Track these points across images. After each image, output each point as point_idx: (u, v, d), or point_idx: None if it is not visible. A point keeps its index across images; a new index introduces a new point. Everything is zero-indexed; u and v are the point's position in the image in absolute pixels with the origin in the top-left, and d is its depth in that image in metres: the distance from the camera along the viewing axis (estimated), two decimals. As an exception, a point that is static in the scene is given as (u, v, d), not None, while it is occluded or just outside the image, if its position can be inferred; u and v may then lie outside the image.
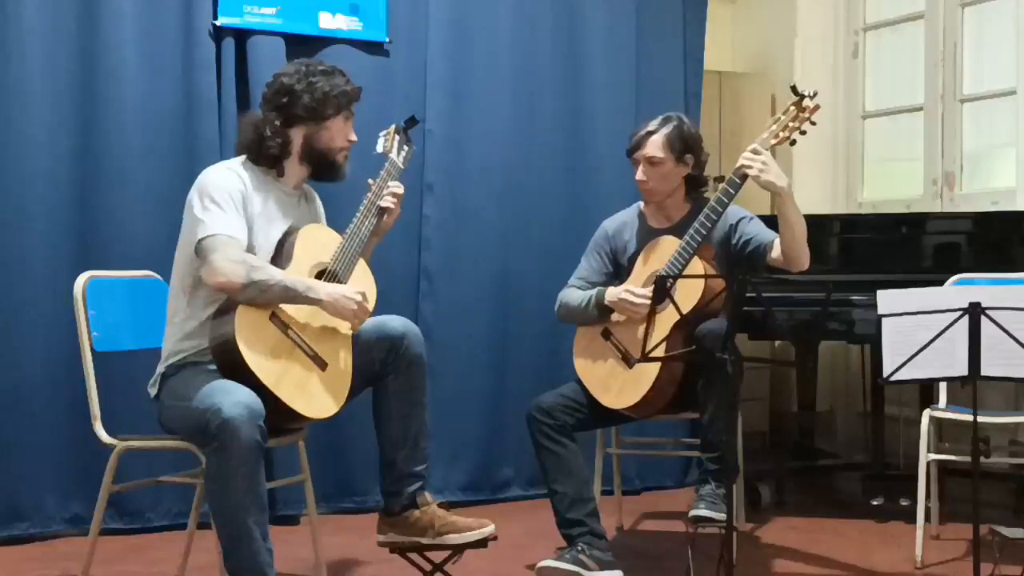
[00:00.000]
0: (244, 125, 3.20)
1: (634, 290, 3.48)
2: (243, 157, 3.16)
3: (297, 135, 3.14)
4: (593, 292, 3.59)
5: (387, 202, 3.25)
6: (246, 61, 4.26)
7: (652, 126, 3.61)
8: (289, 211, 3.17)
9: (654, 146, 3.57)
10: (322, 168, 3.20)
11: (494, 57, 4.68)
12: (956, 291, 3.22)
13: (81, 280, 3.19)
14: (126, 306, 3.31)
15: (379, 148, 3.32)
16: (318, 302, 2.99)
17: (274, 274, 2.96)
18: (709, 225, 3.43)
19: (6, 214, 3.95)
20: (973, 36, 5.00)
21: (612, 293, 3.53)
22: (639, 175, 3.61)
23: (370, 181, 3.26)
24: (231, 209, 2.99)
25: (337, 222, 3.33)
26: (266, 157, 3.12)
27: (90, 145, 4.06)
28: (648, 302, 3.28)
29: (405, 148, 3.35)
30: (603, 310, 3.54)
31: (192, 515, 3.44)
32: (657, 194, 3.63)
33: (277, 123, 3.11)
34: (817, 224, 3.49)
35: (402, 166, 3.31)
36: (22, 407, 3.95)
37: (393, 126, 3.37)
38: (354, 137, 3.21)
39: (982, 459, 3.24)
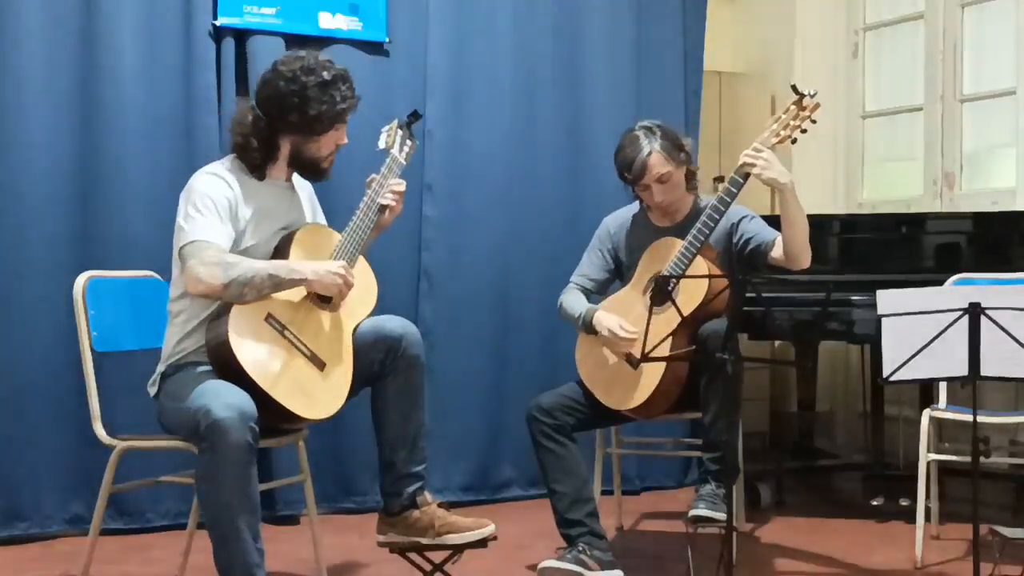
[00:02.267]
0: (234, 123, 3.13)
1: (622, 328, 3.45)
2: (233, 156, 3.13)
3: (285, 143, 3.11)
4: (584, 311, 3.57)
5: (388, 199, 3.22)
6: (246, 61, 4.26)
7: (641, 146, 3.49)
8: (282, 205, 3.16)
9: (658, 164, 3.50)
10: (308, 173, 3.20)
11: (494, 57, 4.68)
12: (956, 291, 3.22)
13: (81, 280, 3.19)
14: (126, 306, 3.30)
15: (381, 144, 3.27)
16: (304, 280, 2.98)
17: (253, 265, 2.94)
18: (712, 224, 3.42)
19: (6, 214, 3.95)
20: (973, 36, 5.00)
21: (600, 320, 3.50)
22: (657, 196, 3.54)
23: (372, 177, 3.24)
24: (212, 215, 2.97)
25: (337, 218, 3.34)
26: (250, 165, 3.10)
27: (90, 145, 4.06)
28: (633, 338, 3.36)
29: (407, 144, 3.32)
30: (593, 330, 3.54)
31: (192, 515, 3.44)
32: (674, 204, 3.61)
33: (265, 131, 3.07)
34: (817, 224, 3.49)
35: (404, 162, 3.29)
36: (22, 407, 3.95)
37: (395, 121, 3.33)
38: (345, 141, 3.17)
39: (982, 459, 3.24)
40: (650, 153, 3.49)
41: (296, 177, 3.24)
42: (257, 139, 3.07)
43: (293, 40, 4.32)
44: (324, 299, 3.08)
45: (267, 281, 2.93)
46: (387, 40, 4.51)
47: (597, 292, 3.72)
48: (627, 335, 3.43)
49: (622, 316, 3.49)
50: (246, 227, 3.04)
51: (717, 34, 5.38)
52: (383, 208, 3.21)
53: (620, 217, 3.78)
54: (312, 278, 2.99)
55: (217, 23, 4.20)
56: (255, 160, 3.09)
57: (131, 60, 4.10)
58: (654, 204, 3.59)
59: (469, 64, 4.63)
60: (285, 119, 3.06)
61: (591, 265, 3.75)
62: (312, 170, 3.18)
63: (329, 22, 4.39)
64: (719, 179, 4.59)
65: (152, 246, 3.96)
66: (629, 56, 4.90)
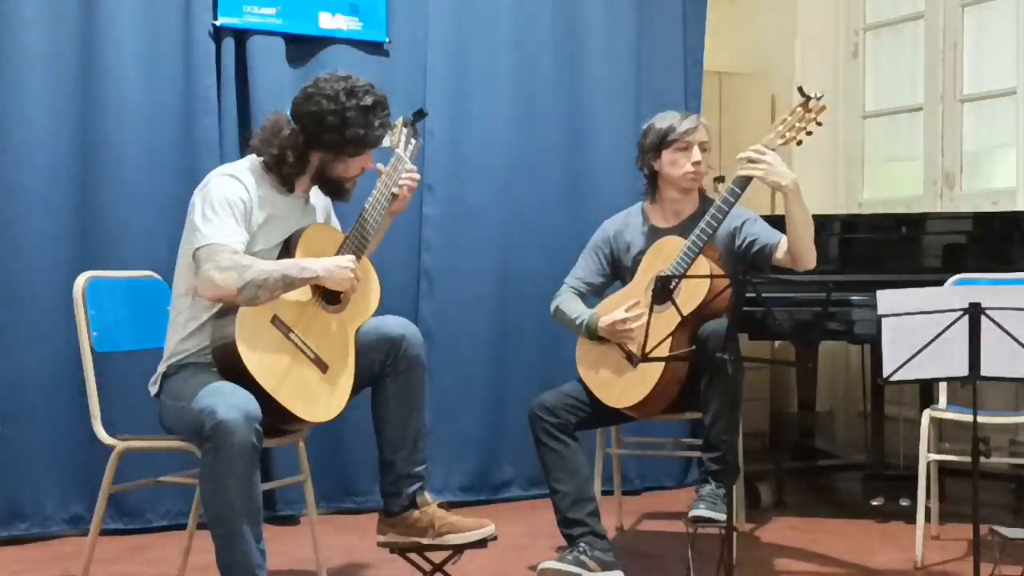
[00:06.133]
0: (268, 134, 3.09)
1: (619, 315, 3.47)
2: (253, 159, 3.12)
3: (315, 158, 3.10)
4: (586, 316, 3.57)
5: (404, 181, 3.25)
6: (246, 61, 4.26)
7: (687, 115, 3.63)
8: (294, 214, 3.15)
9: (704, 132, 3.61)
10: (329, 191, 3.20)
11: (494, 57, 4.68)
12: (956, 291, 3.22)
13: (81, 280, 3.19)
14: (126, 306, 3.30)
15: (386, 142, 3.25)
16: (315, 278, 2.98)
17: (265, 267, 2.94)
18: (715, 224, 3.43)
19: (6, 214, 3.95)
20: (973, 36, 5.00)
21: (604, 324, 3.50)
22: (695, 157, 3.58)
23: (380, 166, 3.23)
24: (229, 217, 2.96)
25: (338, 218, 3.35)
26: (282, 177, 3.09)
27: (90, 145, 4.06)
28: (641, 314, 3.35)
29: (412, 142, 3.33)
30: (596, 335, 3.53)
31: (192, 515, 3.44)
32: (700, 181, 3.64)
33: (300, 145, 3.06)
34: (817, 224, 3.49)
35: (408, 161, 3.31)
36: (22, 407, 3.95)
37: (401, 119, 3.33)
38: (371, 166, 3.18)
39: (982, 459, 3.23)
40: (699, 120, 3.62)
41: (314, 191, 3.24)
42: (293, 153, 3.06)
43: (293, 40, 4.33)
44: (329, 301, 3.08)
45: (280, 282, 2.93)
46: (387, 40, 4.51)
47: (592, 295, 3.72)
48: (628, 324, 3.42)
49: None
50: (258, 232, 3.03)
51: (717, 34, 5.38)
52: (393, 196, 3.24)
53: (619, 220, 3.77)
54: (324, 274, 2.99)
55: (217, 23, 4.20)
56: (289, 173, 3.09)
57: (131, 60, 4.10)
58: (685, 170, 3.58)
59: (469, 64, 4.63)
60: (321, 136, 3.05)
61: (587, 268, 3.74)
62: (335, 189, 3.18)
63: (329, 22, 4.39)
64: (719, 179, 4.60)
65: (152, 246, 3.97)
66: (629, 56, 4.90)
